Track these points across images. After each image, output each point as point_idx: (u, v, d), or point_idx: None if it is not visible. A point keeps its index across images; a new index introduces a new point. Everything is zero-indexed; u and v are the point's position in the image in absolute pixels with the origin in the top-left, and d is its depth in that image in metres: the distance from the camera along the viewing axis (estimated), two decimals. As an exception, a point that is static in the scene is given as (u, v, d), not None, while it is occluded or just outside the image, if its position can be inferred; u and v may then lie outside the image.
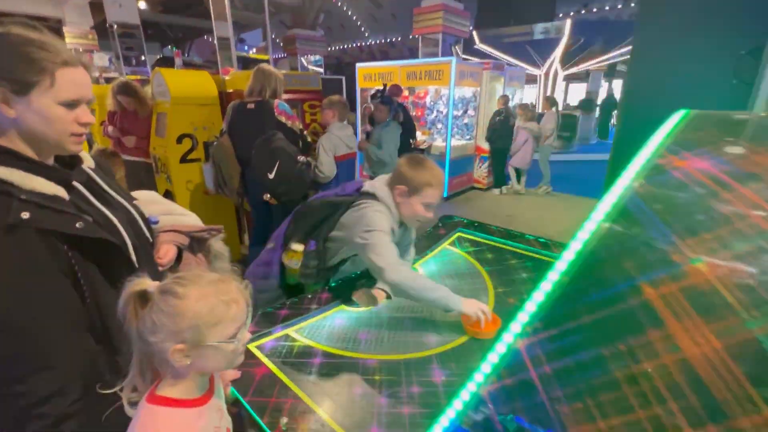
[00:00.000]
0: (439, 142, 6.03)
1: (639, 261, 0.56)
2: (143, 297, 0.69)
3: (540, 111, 6.53)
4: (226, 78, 3.39)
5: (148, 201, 1.16)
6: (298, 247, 1.47)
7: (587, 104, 11.46)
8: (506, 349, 0.61)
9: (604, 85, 14.67)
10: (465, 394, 0.65)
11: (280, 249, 1.54)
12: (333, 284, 1.54)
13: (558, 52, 9.19)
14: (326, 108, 3.00)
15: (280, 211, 2.56)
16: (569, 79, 13.99)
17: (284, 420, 0.89)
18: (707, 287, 0.47)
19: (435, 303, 1.25)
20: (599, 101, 12.79)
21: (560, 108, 8.19)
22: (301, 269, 1.47)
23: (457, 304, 1.22)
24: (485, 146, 6.24)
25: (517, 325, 0.61)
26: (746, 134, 0.75)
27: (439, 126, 6.30)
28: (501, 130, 5.80)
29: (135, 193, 1.12)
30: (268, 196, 2.47)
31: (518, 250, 1.81)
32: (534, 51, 10.20)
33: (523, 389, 0.57)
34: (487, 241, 1.92)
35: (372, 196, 1.43)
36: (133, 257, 0.91)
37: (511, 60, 9.80)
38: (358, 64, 6.26)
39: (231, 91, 3.27)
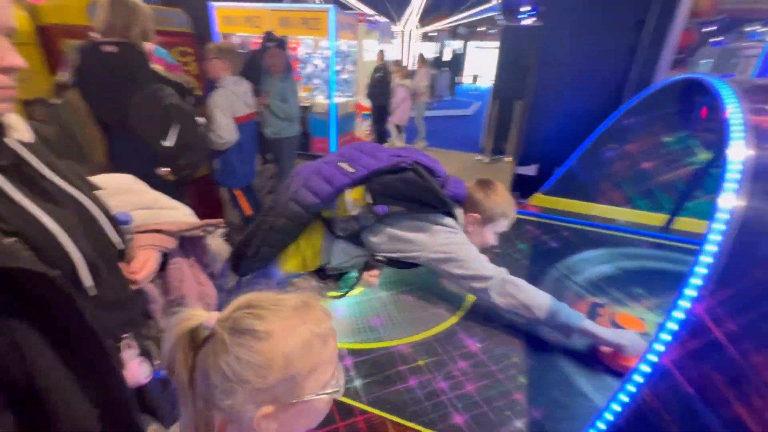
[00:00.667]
0: (320, 99, 5.70)
1: None
2: (197, 338, 0.47)
3: (412, 68, 6.77)
4: (41, 4, 2.36)
5: (119, 190, 0.87)
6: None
7: (442, 63, 12.46)
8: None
9: (448, 46, 16.18)
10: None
11: (358, 182, 1.18)
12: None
13: (414, 7, 9.52)
14: (214, 58, 2.43)
15: (174, 189, 2.04)
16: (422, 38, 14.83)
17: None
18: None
19: (572, 329, 0.99)
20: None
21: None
22: (347, 217, 1.18)
23: (606, 335, 0.96)
24: (366, 103, 6.20)
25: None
26: None
27: (317, 82, 5.93)
28: (381, 87, 5.83)
29: (101, 179, 0.80)
30: (166, 170, 1.92)
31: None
32: (390, 6, 10.33)
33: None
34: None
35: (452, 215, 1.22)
36: (86, 279, 0.60)
37: (369, 12, 9.71)
38: (215, 3, 5.21)
39: (52, 25, 2.31)
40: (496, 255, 1.50)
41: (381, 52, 5.85)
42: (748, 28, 7.51)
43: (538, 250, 1.56)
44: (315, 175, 1.22)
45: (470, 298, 1.25)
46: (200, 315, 0.49)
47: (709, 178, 1.47)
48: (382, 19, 9.21)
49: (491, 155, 6.05)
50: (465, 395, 0.89)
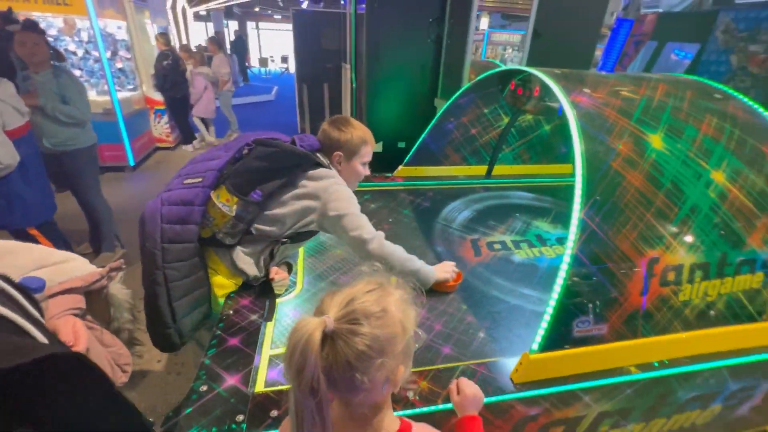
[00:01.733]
0: (93, 96, 4.48)
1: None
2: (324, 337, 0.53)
3: (208, 54, 6.06)
4: None
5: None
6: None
7: (236, 45, 11.51)
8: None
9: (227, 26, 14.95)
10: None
11: (211, 187, 1.13)
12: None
13: (184, -16, 8.36)
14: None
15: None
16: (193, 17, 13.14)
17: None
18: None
19: (416, 274, 1.22)
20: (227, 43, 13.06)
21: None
22: (228, 221, 1.12)
23: (433, 275, 1.26)
24: (157, 97, 5.26)
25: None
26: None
27: (77, 74, 4.61)
28: (173, 76, 5.04)
29: None
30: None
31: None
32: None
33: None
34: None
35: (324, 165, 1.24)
36: None
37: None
38: None
39: None
40: (391, 224, 1.73)
41: (164, 35, 5.02)
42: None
43: (417, 211, 1.88)
44: (168, 206, 1.11)
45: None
46: (315, 321, 0.52)
47: (510, 136, 2.10)
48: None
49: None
50: (439, 333, 1.10)
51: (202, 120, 5.73)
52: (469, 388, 0.80)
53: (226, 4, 11.43)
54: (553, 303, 0.89)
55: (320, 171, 1.20)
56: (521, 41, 4.25)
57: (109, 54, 4.70)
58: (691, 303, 0.98)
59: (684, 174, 0.99)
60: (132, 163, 4.61)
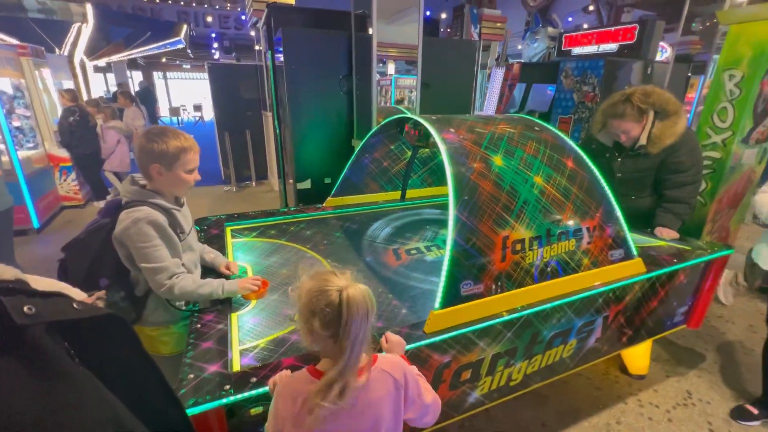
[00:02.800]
0: (-14, 157, 4.15)
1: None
2: None
3: (119, 107, 5.91)
4: None
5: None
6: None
7: (142, 95, 11.11)
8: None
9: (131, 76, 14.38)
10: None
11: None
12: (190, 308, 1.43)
13: (83, 38, 8.03)
14: None
15: None
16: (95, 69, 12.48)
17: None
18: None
19: (212, 296, 1.39)
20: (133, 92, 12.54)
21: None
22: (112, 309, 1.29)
23: (233, 288, 1.43)
24: (61, 153, 5.01)
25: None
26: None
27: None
28: (81, 131, 4.88)
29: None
30: None
31: (283, 221, 2.33)
32: (42, 32, 8.27)
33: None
34: (258, 224, 2.26)
35: (134, 202, 1.29)
36: None
37: (14, 42, 7.43)
38: None
39: None
40: (326, 245, 2.06)
41: (70, 91, 4.88)
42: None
43: (348, 233, 2.23)
44: None
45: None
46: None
47: (415, 165, 2.61)
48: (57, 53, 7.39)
49: (236, 184, 6.32)
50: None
51: (116, 174, 5.53)
52: (394, 337, 1.15)
53: (129, 56, 11.13)
54: (444, 273, 1.30)
55: (120, 216, 1.28)
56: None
57: (5, 112, 4.44)
58: (534, 264, 1.46)
59: (517, 180, 1.50)
60: (36, 225, 4.30)
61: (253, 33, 9.01)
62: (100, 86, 15.67)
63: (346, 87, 2.83)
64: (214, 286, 1.40)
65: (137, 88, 13.81)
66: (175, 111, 15.47)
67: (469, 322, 1.33)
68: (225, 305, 1.45)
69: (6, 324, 0.44)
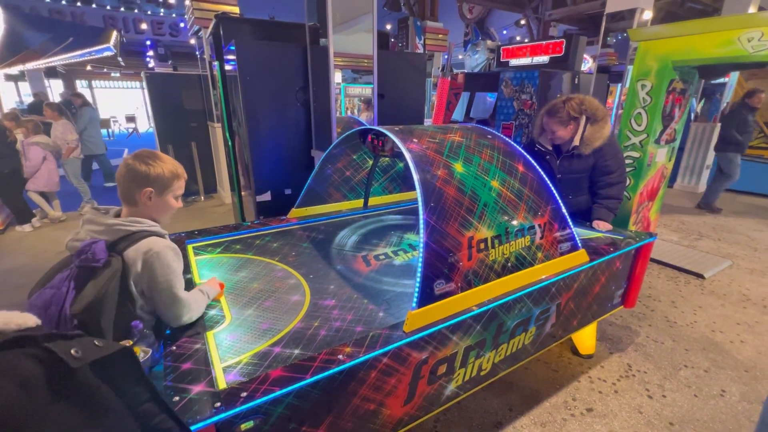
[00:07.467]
0: None
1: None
2: None
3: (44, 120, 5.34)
4: None
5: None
6: (127, 342, 1.18)
7: (68, 106, 10.08)
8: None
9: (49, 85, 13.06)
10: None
11: None
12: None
13: (-8, 45, 7.16)
14: None
15: None
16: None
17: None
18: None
19: (209, 298, 1.52)
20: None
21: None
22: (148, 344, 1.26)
23: (215, 290, 1.56)
24: (-26, 174, 4.45)
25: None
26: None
27: None
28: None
29: None
30: None
31: (248, 235, 2.29)
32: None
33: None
34: (221, 240, 2.20)
35: (143, 233, 1.26)
36: None
37: None
38: None
39: None
40: (294, 257, 2.06)
41: (-18, 104, 4.35)
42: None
43: (315, 243, 2.25)
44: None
45: (306, 287, 1.78)
46: None
47: (376, 173, 2.68)
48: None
49: (183, 199, 5.99)
50: (351, 320, 1.48)
51: (43, 195, 5.01)
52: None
53: (48, 64, 10.09)
54: (418, 274, 1.38)
55: (141, 247, 1.26)
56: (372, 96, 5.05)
57: None
58: (496, 260, 1.60)
59: (476, 185, 1.63)
60: (-53, 256, 3.76)
61: (193, 41, 8.63)
62: (11, 96, 14.04)
63: (302, 98, 2.85)
64: (205, 298, 1.48)
65: (59, 99, 12.55)
66: (104, 123, 14.25)
67: (444, 319, 1.43)
68: (198, 326, 1.42)
69: (62, 369, 0.45)
